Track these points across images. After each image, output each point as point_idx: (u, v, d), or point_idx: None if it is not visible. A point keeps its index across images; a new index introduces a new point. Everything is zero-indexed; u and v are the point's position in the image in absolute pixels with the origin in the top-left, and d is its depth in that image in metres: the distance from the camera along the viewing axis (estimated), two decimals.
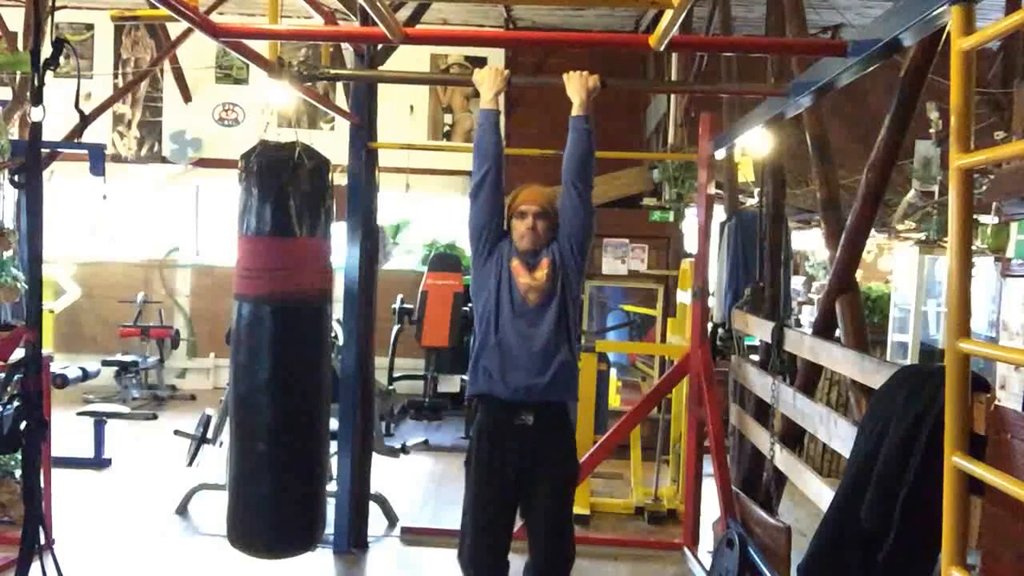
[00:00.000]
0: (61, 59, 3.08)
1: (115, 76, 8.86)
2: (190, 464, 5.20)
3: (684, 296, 5.56)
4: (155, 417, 7.29)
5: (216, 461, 5.21)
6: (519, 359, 2.99)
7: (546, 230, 3.08)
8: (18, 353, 3.44)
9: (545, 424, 3.02)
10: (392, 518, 4.99)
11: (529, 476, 3.00)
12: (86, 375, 6.94)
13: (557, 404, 3.06)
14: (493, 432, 3.04)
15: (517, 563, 3.08)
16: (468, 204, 3.12)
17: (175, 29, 8.09)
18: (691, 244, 6.23)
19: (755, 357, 4.98)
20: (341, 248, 4.34)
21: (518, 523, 3.09)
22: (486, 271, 3.08)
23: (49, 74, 3.10)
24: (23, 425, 3.16)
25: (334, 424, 4.23)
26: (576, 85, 3.04)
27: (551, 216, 3.07)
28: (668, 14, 2.33)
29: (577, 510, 5.15)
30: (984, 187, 4.97)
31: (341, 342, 4.65)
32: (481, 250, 3.09)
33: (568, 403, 3.13)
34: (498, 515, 3.03)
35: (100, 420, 5.93)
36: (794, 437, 4.01)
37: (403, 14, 5.77)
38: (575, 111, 3.04)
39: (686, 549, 4.67)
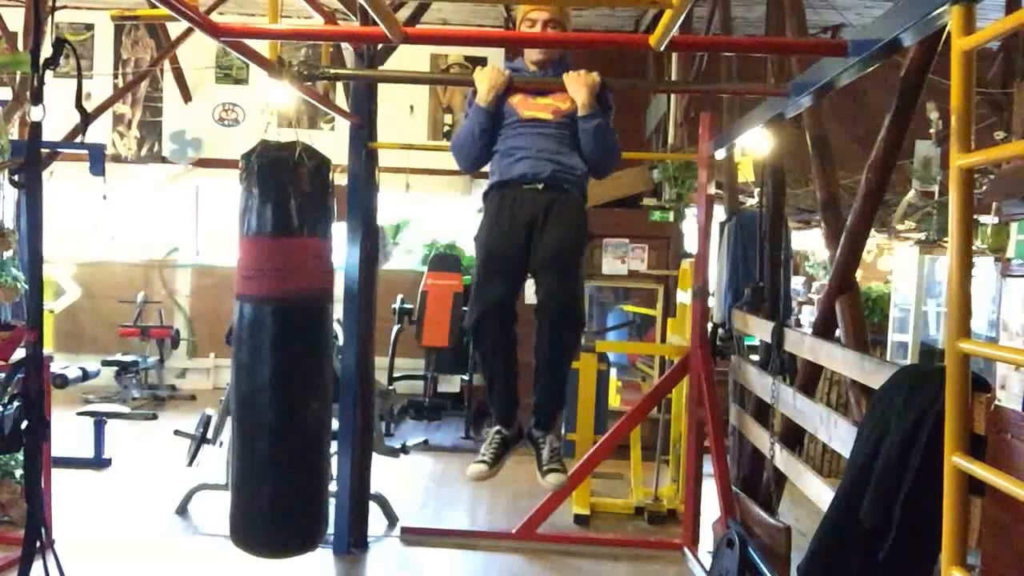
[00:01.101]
0: (61, 59, 3.08)
1: (115, 76, 8.86)
2: (190, 464, 5.20)
3: (684, 296, 5.56)
4: (155, 417, 7.29)
5: (216, 461, 5.21)
6: (528, 151, 3.04)
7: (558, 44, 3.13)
8: (18, 353, 3.44)
9: (555, 191, 3.04)
10: (392, 518, 4.99)
11: (539, 232, 3.00)
12: (86, 375, 6.93)
13: (567, 180, 3.07)
14: (503, 197, 3.06)
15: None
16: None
17: (175, 29, 8.09)
18: (691, 244, 6.23)
19: (755, 357, 4.98)
20: (341, 248, 4.34)
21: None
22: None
23: (49, 74, 3.09)
24: (23, 425, 3.16)
25: (334, 424, 4.23)
26: (577, 85, 3.04)
27: (564, 28, 3.08)
28: (668, 14, 2.33)
29: (577, 510, 5.18)
30: (984, 187, 4.97)
31: (341, 342, 4.65)
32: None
33: (578, 187, 3.12)
34: (508, 262, 3.02)
35: (100, 420, 5.92)
36: (794, 437, 4.01)
37: (403, 14, 5.78)
38: (580, 112, 3.04)
39: (686, 549, 4.67)
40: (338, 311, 4.15)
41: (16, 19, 6.86)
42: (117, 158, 8.83)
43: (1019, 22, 1.47)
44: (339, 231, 3.99)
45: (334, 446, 4.38)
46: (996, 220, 5.72)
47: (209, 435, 5.20)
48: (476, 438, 6.92)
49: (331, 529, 4.17)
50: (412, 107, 8.94)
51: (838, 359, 3.20)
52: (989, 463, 1.65)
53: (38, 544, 3.16)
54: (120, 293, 8.68)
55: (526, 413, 3.18)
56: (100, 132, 8.50)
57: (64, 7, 8.00)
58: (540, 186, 3.02)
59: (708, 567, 4.17)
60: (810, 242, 9.10)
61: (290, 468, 3.43)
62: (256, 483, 3.42)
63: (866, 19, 7.10)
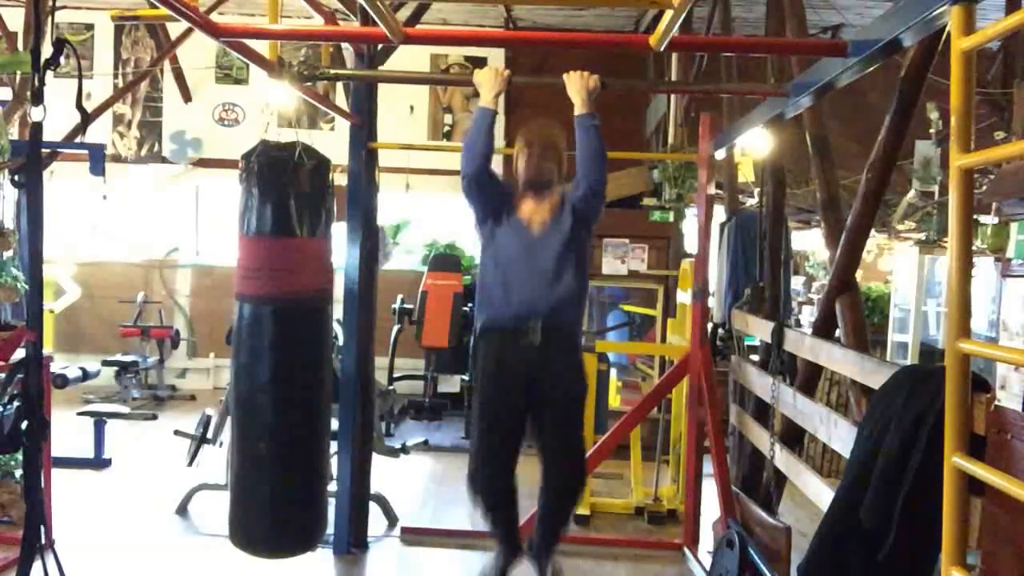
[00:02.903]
0: (61, 59, 3.08)
1: (115, 76, 8.86)
2: (190, 464, 5.20)
3: (684, 296, 5.55)
4: (155, 417, 7.29)
5: (216, 461, 5.21)
6: (522, 278, 3.03)
7: (550, 160, 3.12)
8: (18, 353, 3.44)
9: (552, 342, 3.02)
10: (392, 518, 4.99)
11: (537, 395, 3.01)
12: (86, 375, 6.93)
13: (564, 323, 3.06)
14: (499, 354, 3.06)
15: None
16: (465, 199, 3.17)
17: (175, 29, 8.10)
18: (691, 244, 6.23)
19: (755, 357, 4.98)
20: (341, 248, 4.34)
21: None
22: (490, 230, 3.12)
23: (49, 74, 3.10)
24: (23, 425, 3.16)
25: (334, 424, 4.23)
26: (576, 85, 3.04)
27: (554, 149, 3.11)
28: (668, 14, 2.33)
29: (577, 510, 5.17)
30: (984, 187, 4.97)
31: (341, 342, 4.65)
32: (485, 219, 3.14)
33: (576, 325, 3.13)
34: (506, 436, 3.04)
35: (100, 420, 5.92)
36: (794, 437, 4.01)
37: (403, 14, 5.77)
38: (577, 111, 3.04)
39: (686, 549, 4.67)
40: (338, 311, 4.16)
41: (16, 19, 6.86)
42: (117, 158, 8.83)
43: (1019, 22, 1.47)
44: (339, 231, 3.99)
45: (334, 446, 4.38)
46: (996, 220, 5.72)
47: (209, 435, 5.20)
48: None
49: (331, 529, 4.17)
50: (412, 107, 8.94)
51: (838, 359, 3.20)
52: (989, 463, 1.65)
53: (38, 544, 3.16)
54: (120, 293, 8.69)
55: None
56: (100, 132, 8.50)
57: (64, 7, 8.02)
58: (537, 339, 3.00)
59: (708, 567, 4.17)
60: (810, 242, 9.09)
61: (290, 468, 3.43)
62: (256, 483, 3.43)
63: (866, 19, 7.10)
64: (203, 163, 9.01)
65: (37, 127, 3.13)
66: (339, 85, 6.89)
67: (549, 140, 3.12)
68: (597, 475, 5.32)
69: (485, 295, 3.11)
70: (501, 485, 3.07)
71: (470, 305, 7.32)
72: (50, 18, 3.86)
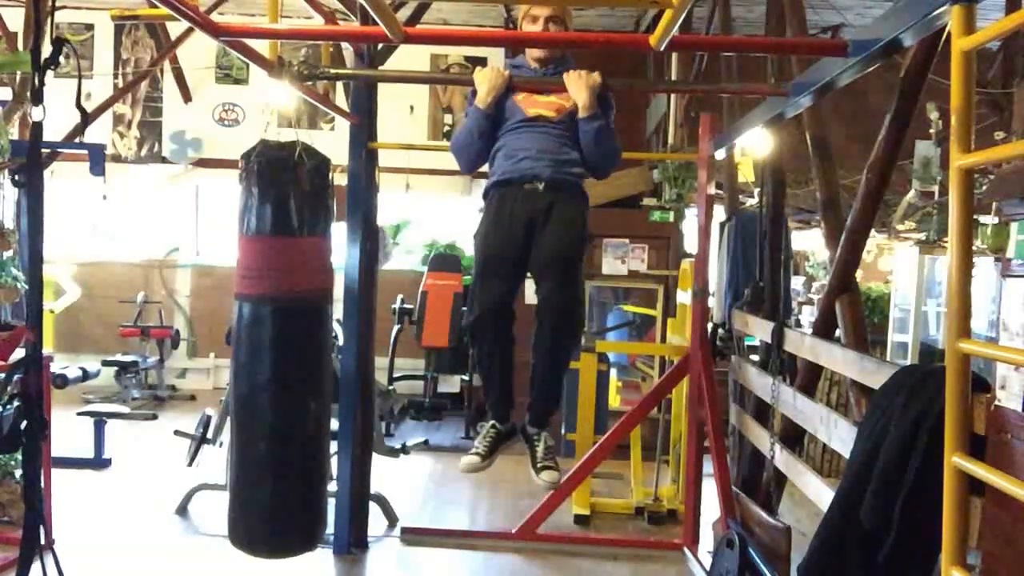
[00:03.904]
0: (61, 59, 3.08)
1: (115, 76, 8.86)
2: (190, 464, 5.20)
3: (684, 296, 5.55)
4: (155, 417, 7.28)
5: (216, 461, 5.21)
6: (530, 151, 3.04)
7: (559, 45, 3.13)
8: (18, 353, 3.44)
9: (555, 189, 3.03)
10: (392, 518, 4.99)
11: (539, 232, 3.01)
12: (86, 375, 6.93)
13: (567, 182, 3.07)
14: (504, 197, 3.07)
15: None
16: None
17: (175, 29, 8.10)
18: (691, 244, 6.23)
19: (755, 357, 4.98)
20: (341, 248, 4.34)
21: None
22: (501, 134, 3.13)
23: (49, 74, 3.09)
24: (23, 425, 3.16)
25: (334, 424, 4.23)
26: (578, 86, 3.03)
27: (562, 25, 3.08)
28: (668, 14, 2.32)
29: (577, 510, 5.18)
30: (984, 187, 4.97)
31: (341, 342, 4.65)
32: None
33: (578, 187, 3.13)
34: (507, 263, 3.03)
35: (100, 420, 5.92)
36: (794, 437, 4.00)
37: (403, 14, 5.77)
38: (581, 113, 3.04)
39: (686, 549, 4.67)
40: (338, 311, 4.16)
41: (16, 19, 6.86)
42: (117, 158, 8.83)
43: (1019, 22, 1.47)
44: (339, 231, 3.99)
45: (334, 446, 4.38)
46: (996, 220, 5.71)
47: (209, 435, 5.20)
48: (476, 438, 6.91)
49: (331, 529, 4.17)
50: (412, 107, 8.94)
51: (838, 359, 3.20)
52: (989, 463, 1.64)
53: (38, 544, 3.16)
54: (120, 293, 8.68)
55: (520, 410, 3.20)
56: (100, 132, 8.51)
57: (64, 7, 8.02)
58: (541, 186, 3.02)
59: (708, 567, 4.17)
60: (810, 242, 9.10)
61: (290, 468, 3.43)
62: (256, 483, 3.42)
63: (866, 19, 7.10)
64: (203, 163, 9.01)
65: (37, 127, 3.12)
66: (339, 85, 6.90)
67: (557, 16, 3.07)
68: (597, 475, 5.33)
69: (494, 165, 3.14)
70: (500, 326, 3.03)
71: None
72: (50, 18, 3.85)
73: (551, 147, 3.06)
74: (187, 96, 8.99)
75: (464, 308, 7.25)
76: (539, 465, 3.10)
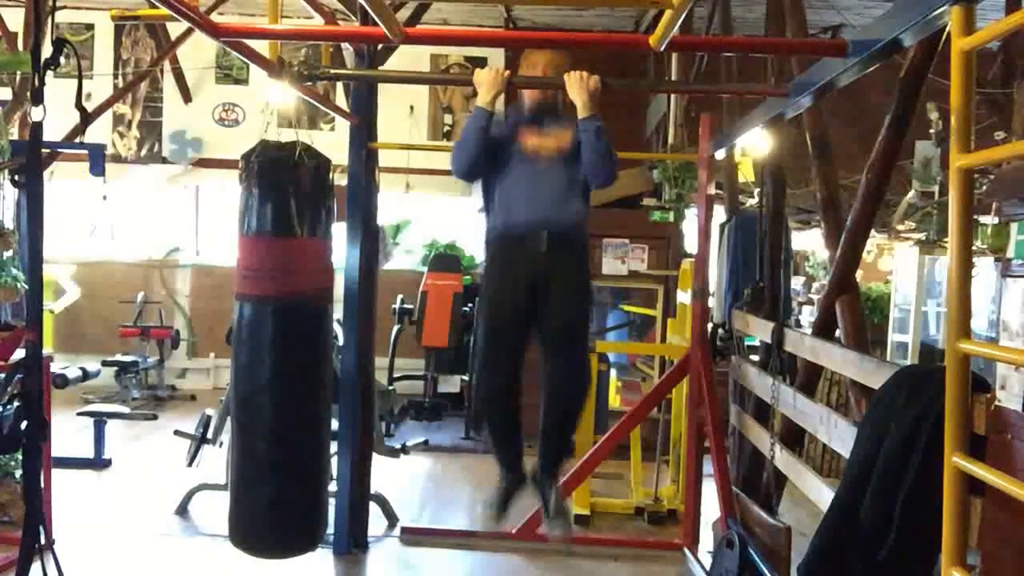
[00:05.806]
0: (61, 59, 3.08)
1: (115, 76, 8.86)
2: (190, 464, 5.20)
3: (684, 296, 5.56)
4: (155, 417, 7.28)
5: (216, 461, 5.21)
6: (530, 199, 3.05)
7: (555, 91, 3.12)
8: (18, 353, 3.44)
9: (558, 249, 3.03)
10: (392, 518, 4.99)
11: (542, 301, 3.01)
12: (86, 375, 6.93)
13: (569, 237, 3.08)
14: (505, 259, 3.08)
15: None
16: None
17: (175, 29, 8.09)
18: (691, 244, 6.23)
19: (755, 357, 4.98)
20: (341, 248, 4.33)
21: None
22: (498, 168, 3.12)
23: (49, 74, 3.09)
24: (23, 425, 3.16)
25: (334, 424, 4.23)
26: (577, 87, 3.03)
27: (560, 72, 3.09)
28: (668, 14, 2.32)
29: (577, 510, 5.17)
30: (984, 187, 4.97)
31: (341, 342, 4.65)
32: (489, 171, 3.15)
33: (582, 241, 3.14)
34: (511, 332, 3.04)
35: (100, 420, 5.92)
36: (794, 437, 4.01)
37: (403, 14, 5.78)
38: (580, 114, 3.03)
39: (686, 549, 4.67)
40: (338, 311, 4.16)
41: (16, 19, 6.86)
42: (117, 158, 8.83)
43: (1019, 22, 1.47)
44: (339, 231, 3.99)
45: (334, 446, 4.38)
46: (996, 220, 5.71)
47: (209, 435, 5.20)
48: (476, 438, 6.93)
49: (331, 529, 4.17)
50: (412, 107, 8.94)
51: (838, 359, 3.20)
52: (989, 463, 1.64)
53: (38, 544, 3.16)
54: (120, 293, 8.68)
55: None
56: (100, 132, 8.50)
57: (64, 7, 8.02)
58: (543, 247, 3.02)
59: (708, 567, 4.17)
60: (810, 242, 9.09)
61: (290, 468, 3.43)
62: (256, 483, 3.42)
63: (866, 19, 7.10)
64: (203, 163, 9.01)
65: (37, 127, 3.12)
66: (339, 85, 6.91)
67: (555, 64, 3.10)
68: (597, 475, 5.32)
69: (492, 214, 3.15)
70: (508, 404, 3.06)
71: (470, 305, 7.33)
72: (50, 18, 3.86)
73: (550, 193, 3.05)
74: (187, 96, 9.00)
75: (464, 308, 7.30)
76: (552, 518, 3.21)
